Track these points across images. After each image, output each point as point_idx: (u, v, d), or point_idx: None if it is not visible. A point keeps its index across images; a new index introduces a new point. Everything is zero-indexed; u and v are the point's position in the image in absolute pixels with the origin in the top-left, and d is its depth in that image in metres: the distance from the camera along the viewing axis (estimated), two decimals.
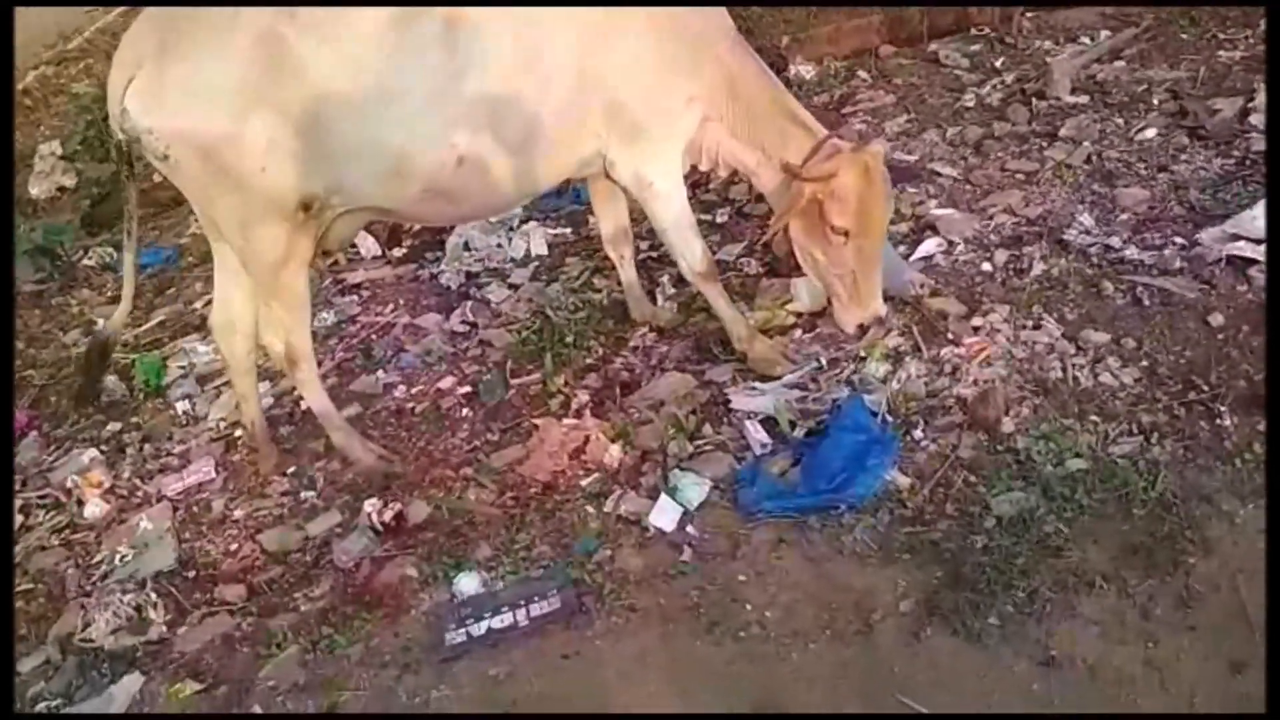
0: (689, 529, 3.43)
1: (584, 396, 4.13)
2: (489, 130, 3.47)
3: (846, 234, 3.78)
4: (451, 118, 3.41)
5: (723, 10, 3.97)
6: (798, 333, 4.25)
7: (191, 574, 3.71)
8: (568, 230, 5.45)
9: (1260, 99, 5.11)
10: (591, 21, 3.55)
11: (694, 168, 4.13)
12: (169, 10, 3.37)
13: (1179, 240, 4.26)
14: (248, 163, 3.27)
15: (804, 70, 6.34)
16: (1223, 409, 3.41)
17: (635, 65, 3.66)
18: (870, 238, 3.83)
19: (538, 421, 4.00)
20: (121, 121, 3.29)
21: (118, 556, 3.82)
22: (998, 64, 6.17)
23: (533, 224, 5.47)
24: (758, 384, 3.97)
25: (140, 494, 4.16)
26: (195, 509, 4.01)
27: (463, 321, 4.84)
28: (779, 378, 3.97)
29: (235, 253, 3.62)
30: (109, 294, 5.77)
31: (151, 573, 3.70)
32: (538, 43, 3.48)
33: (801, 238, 3.95)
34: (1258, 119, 4.98)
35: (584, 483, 3.70)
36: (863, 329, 3.99)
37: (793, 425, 3.73)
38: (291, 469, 4.09)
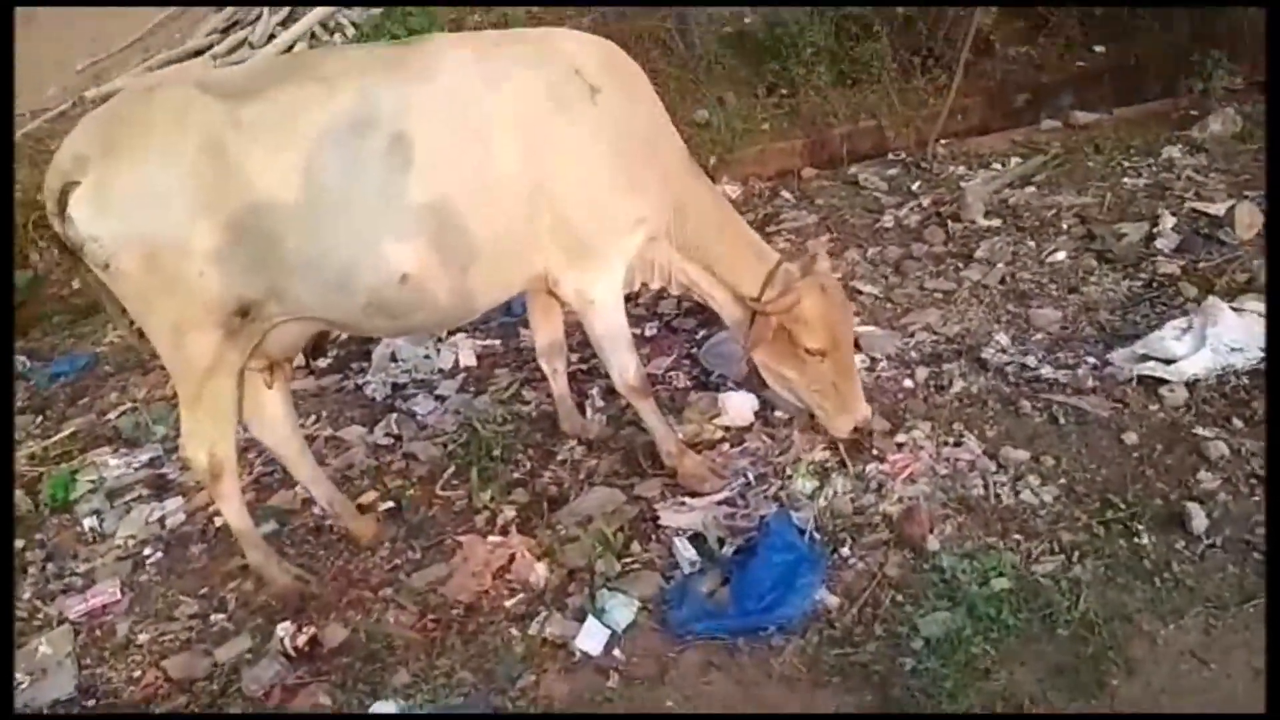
0: (616, 652, 3.35)
1: (510, 512, 4.07)
2: (434, 247, 3.42)
3: (822, 353, 3.85)
4: (395, 234, 3.36)
5: (673, 132, 4.01)
6: (725, 446, 4.26)
7: (91, 703, 3.51)
8: (497, 342, 5.44)
9: (1165, 224, 5.36)
10: (541, 139, 3.54)
11: (644, 285, 4.15)
12: (110, 115, 3.34)
13: (1091, 360, 4.41)
14: (188, 268, 3.22)
15: (729, 189, 6.52)
16: (1140, 527, 3.48)
17: (584, 184, 3.65)
18: (843, 349, 3.91)
19: (462, 539, 3.92)
20: (65, 229, 3.22)
21: (15, 684, 3.59)
22: (914, 187, 6.42)
23: (461, 335, 5.45)
24: (686, 499, 3.96)
25: (41, 615, 3.95)
26: (98, 632, 3.81)
27: (387, 434, 4.77)
28: (708, 493, 3.96)
29: (164, 359, 3.52)
30: (20, 404, 5.57)
31: (49, 701, 3.52)
32: (486, 160, 3.46)
33: (770, 362, 4.00)
34: (1163, 243, 5.24)
35: (508, 603, 3.62)
36: (858, 430, 3.99)
37: (721, 543, 3.70)
38: (202, 590, 3.93)
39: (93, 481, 4.72)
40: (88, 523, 4.43)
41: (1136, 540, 3.44)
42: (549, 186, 3.56)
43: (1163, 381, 4.12)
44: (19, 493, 4.63)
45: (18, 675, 3.63)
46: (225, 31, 9.62)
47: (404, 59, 3.49)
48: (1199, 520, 3.44)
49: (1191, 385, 4.09)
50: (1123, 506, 3.58)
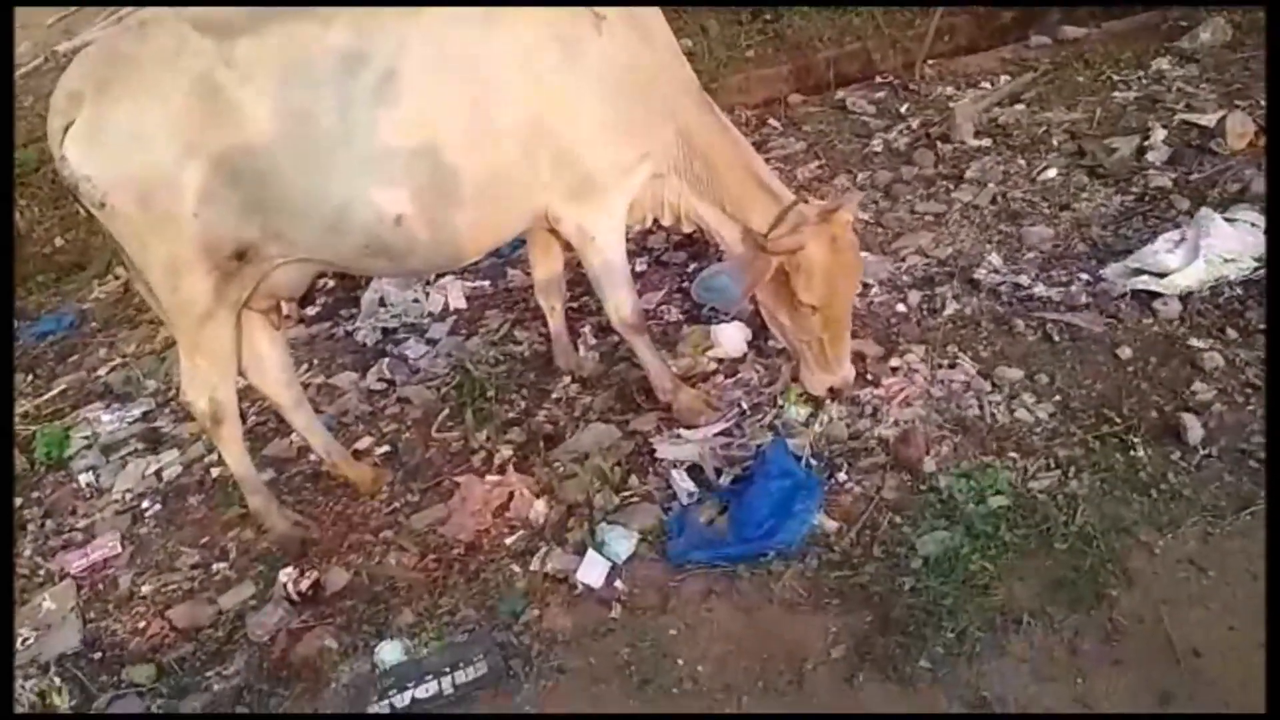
0: (617, 584, 3.37)
1: (507, 451, 4.06)
2: (430, 187, 3.34)
3: (813, 308, 3.70)
4: (388, 174, 3.29)
5: (683, 63, 3.88)
6: (719, 378, 4.24)
7: (98, 655, 3.53)
8: (486, 283, 5.39)
9: (1155, 136, 5.30)
10: (545, 75, 3.43)
11: (655, 221, 4.08)
12: (104, 54, 3.27)
13: (1084, 276, 4.38)
14: (181, 208, 3.16)
15: None
16: (1136, 440, 3.48)
17: (586, 119, 3.55)
18: (837, 307, 3.74)
19: (459, 479, 3.92)
20: (61, 169, 3.17)
21: (20, 640, 3.63)
22: (902, 110, 6.33)
23: (450, 278, 5.39)
24: (682, 432, 3.95)
25: (42, 573, 3.98)
26: (101, 586, 3.83)
27: (380, 379, 4.75)
28: (704, 426, 3.95)
29: (163, 305, 3.47)
30: None
31: (55, 656, 3.54)
32: (484, 97, 3.37)
33: (767, 301, 3.88)
34: (1154, 156, 5.17)
35: (509, 541, 3.63)
36: (833, 392, 3.89)
37: (718, 473, 3.71)
38: (203, 540, 3.94)
39: (86, 438, 4.71)
40: (84, 478, 4.43)
41: (1132, 453, 3.44)
42: (549, 122, 3.47)
43: (1156, 295, 4.10)
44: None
45: (23, 631, 3.65)
46: None
47: None
48: (1194, 431, 3.44)
49: (1185, 298, 4.06)
50: (1118, 420, 3.58)
